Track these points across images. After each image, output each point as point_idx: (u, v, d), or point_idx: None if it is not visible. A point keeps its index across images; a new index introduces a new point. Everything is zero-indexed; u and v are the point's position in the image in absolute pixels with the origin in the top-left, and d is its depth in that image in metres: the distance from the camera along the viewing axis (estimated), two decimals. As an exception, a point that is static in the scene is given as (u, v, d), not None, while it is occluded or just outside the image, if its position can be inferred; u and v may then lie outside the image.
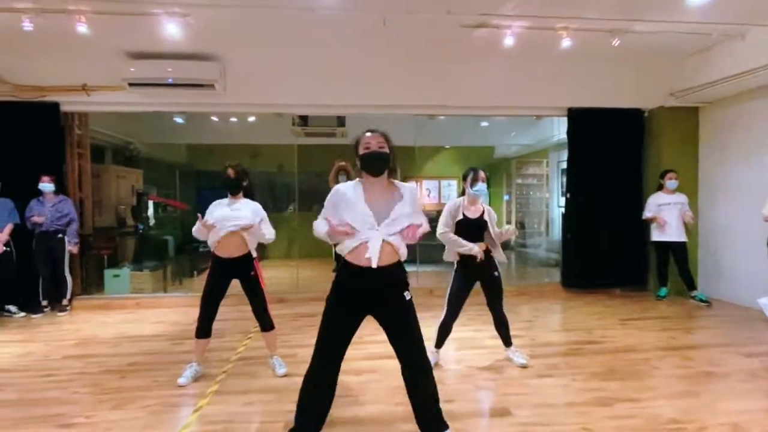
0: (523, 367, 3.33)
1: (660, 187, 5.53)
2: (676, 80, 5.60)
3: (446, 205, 3.28)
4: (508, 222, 11.09)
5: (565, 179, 6.73)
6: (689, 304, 5.29)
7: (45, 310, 5.09)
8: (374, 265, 2.01)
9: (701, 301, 5.26)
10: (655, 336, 4.11)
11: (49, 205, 5.03)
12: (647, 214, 5.54)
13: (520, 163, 10.19)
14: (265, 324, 3.24)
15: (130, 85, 5.04)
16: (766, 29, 4.35)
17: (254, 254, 3.22)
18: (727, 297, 5.41)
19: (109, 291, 5.70)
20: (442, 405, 2.16)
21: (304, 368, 2.12)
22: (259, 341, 3.60)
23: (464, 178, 3.26)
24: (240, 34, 4.70)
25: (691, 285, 5.39)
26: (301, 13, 4.00)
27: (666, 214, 5.40)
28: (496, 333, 3.44)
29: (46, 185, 5.00)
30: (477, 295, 3.40)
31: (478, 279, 3.29)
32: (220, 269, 3.13)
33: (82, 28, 4.09)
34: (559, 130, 6.93)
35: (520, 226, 10.55)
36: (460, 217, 3.20)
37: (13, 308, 4.99)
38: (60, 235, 5.06)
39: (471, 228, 3.19)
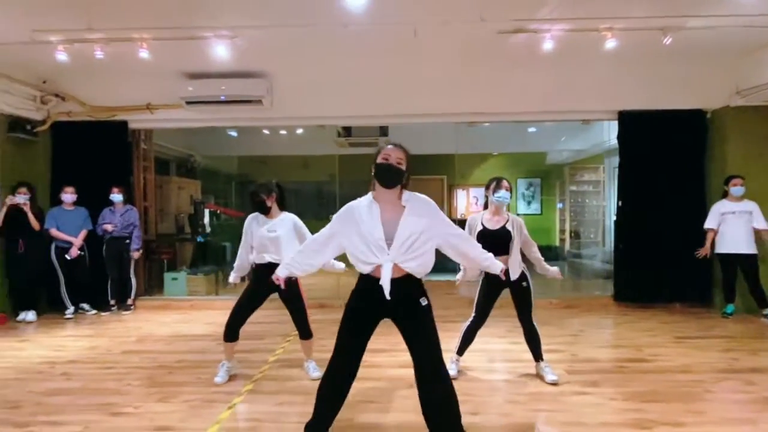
0: (554, 384, 3.17)
1: (724, 195, 5.09)
2: (743, 77, 5.14)
3: (467, 221, 3.27)
4: (562, 231, 10.66)
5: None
6: (759, 323, 4.79)
7: (112, 308, 5.61)
8: (387, 296, 2.04)
9: (774, 320, 4.76)
10: (714, 357, 3.77)
11: (119, 214, 5.56)
12: (709, 224, 5.11)
13: (574, 169, 9.76)
14: (304, 332, 3.34)
15: (187, 103, 5.47)
16: None
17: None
18: (807, 316, 4.84)
19: (167, 293, 6.17)
20: (467, 417, 2.13)
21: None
22: (297, 345, 3.74)
23: (487, 187, 3.23)
24: (283, 51, 4.96)
25: (763, 302, 4.88)
26: (335, 28, 4.16)
27: (731, 224, 4.95)
28: None
29: (116, 196, 5.54)
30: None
31: (505, 287, 3.20)
32: (260, 277, 3.18)
33: (145, 54, 4.52)
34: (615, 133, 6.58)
35: (575, 235, 10.08)
36: (480, 227, 3.14)
37: (86, 306, 5.55)
38: (127, 241, 5.58)
39: (492, 239, 3.06)
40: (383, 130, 6.81)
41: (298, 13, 3.98)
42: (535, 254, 3.31)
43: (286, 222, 3.23)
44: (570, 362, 3.64)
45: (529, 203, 10.78)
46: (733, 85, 5.25)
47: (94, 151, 5.72)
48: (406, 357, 1.99)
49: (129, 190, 5.81)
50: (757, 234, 4.93)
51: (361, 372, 2.23)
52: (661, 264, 5.48)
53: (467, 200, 10.45)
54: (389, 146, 2.17)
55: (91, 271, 5.53)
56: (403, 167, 2.13)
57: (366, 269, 2.11)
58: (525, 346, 3.34)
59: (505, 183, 3.17)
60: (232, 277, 3.48)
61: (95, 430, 2.59)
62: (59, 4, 3.79)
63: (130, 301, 5.68)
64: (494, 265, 2.39)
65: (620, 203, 5.72)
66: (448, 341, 3.25)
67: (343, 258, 2.41)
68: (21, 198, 5.09)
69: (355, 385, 2.24)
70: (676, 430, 2.53)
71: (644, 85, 5.48)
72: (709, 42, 4.65)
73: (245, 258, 3.36)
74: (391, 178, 2.11)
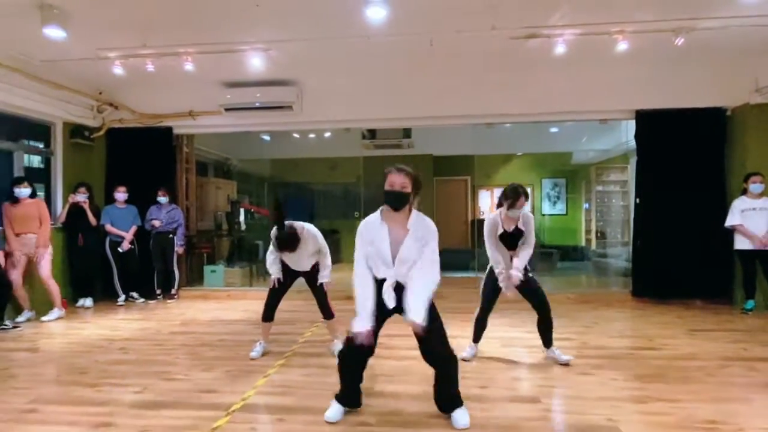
0: (566, 364, 3.39)
1: (744, 192, 5.13)
2: (763, 75, 5.18)
3: (485, 224, 3.41)
4: (587, 231, 10.61)
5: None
6: (779, 319, 4.82)
7: (158, 297, 6.17)
8: (390, 306, 2.40)
9: (795, 315, 4.77)
10: (723, 347, 3.87)
11: (164, 211, 6.12)
12: (730, 221, 5.16)
13: (600, 169, 9.76)
14: (326, 313, 3.72)
15: (226, 109, 5.97)
16: None
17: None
18: (829, 313, 4.83)
19: (207, 284, 6.70)
20: (475, 390, 2.47)
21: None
22: (324, 330, 4.11)
23: (505, 196, 3.29)
24: (312, 61, 5.39)
25: (783, 298, 4.91)
26: (359, 40, 4.53)
27: (750, 221, 4.99)
28: None
29: (162, 198, 6.12)
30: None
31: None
32: (289, 268, 3.60)
33: (189, 66, 5.04)
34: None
35: (601, 235, 10.05)
36: (501, 231, 3.38)
37: (135, 294, 6.13)
38: (171, 236, 6.13)
39: (510, 239, 3.39)
40: (406, 132, 7.14)
41: (325, 27, 4.39)
42: (525, 251, 3.37)
43: (308, 246, 3.44)
44: (579, 349, 3.83)
45: (554, 203, 10.80)
46: (752, 83, 5.30)
47: (143, 155, 6.31)
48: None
49: (173, 190, 6.37)
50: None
51: (380, 351, 2.57)
52: (680, 260, 5.55)
53: (491, 200, 10.57)
54: (393, 172, 2.38)
55: (139, 263, 6.10)
56: (408, 190, 2.37)
57: (378, 277, 2.46)
58: (538, 335, 3.55)
59: (522, 200, 3.23)
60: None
61: (152, 390, 3.02)
62: (122, 26, 4.33)
63: (173, 291, 6.22)
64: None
65: (638, 200, 5.82)
66: (469, 330, 3.58)
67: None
68: (81, 197, 5.72)
69: (374, 362, 2.58)
70: (668, 405, 2.70)
71: (662, 84, 5.59)
72: (727, 41, 4.74)
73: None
74: (398, 203, 2.38)
